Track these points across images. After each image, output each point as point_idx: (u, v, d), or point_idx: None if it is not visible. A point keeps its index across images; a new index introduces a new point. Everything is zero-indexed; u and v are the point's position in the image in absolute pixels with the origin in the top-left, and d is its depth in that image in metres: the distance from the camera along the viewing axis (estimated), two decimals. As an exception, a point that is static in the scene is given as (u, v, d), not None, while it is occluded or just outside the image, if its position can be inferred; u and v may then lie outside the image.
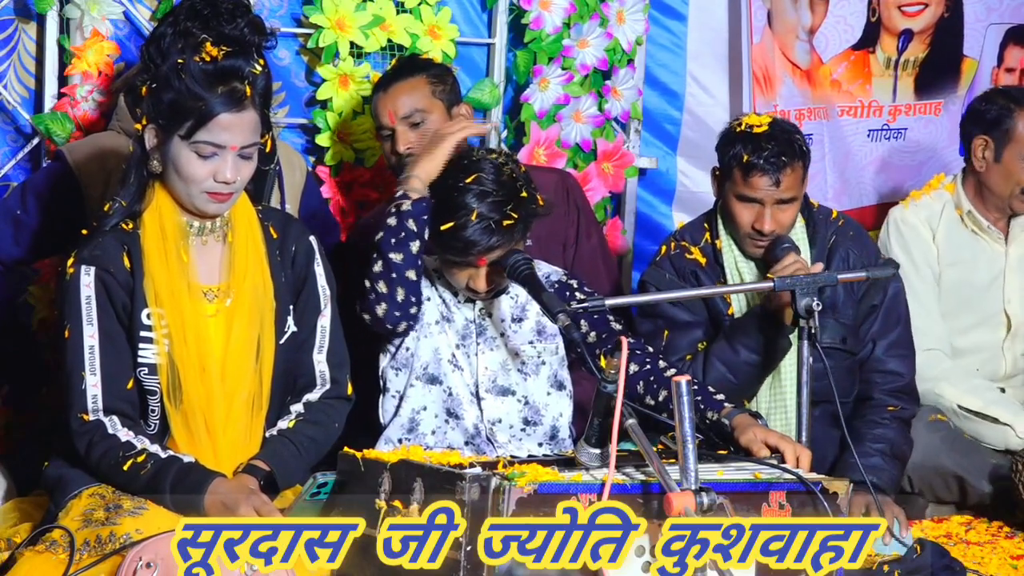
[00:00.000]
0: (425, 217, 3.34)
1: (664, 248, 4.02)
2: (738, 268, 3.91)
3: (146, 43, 3.77)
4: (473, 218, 3.27)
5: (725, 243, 3.92)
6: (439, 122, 3.94)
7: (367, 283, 3.36)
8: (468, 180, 3.32)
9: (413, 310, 3.37)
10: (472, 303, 3.45)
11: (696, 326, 3.86)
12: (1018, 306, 4.45)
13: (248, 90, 3.08)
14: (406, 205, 3.34)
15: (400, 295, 3.34)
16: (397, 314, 3.35)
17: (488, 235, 3.28)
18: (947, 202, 4.48)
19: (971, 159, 4.43)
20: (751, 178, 3.76)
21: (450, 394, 3.41)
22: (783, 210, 3.80)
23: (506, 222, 3.29)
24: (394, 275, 3.33)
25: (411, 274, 3.34)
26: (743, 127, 3.83)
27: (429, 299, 3.43)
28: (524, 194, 3.35)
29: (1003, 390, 4.41)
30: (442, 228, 3.30)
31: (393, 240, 3.33)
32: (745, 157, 3.76)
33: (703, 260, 3.92)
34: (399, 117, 3.96)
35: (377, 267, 3.35)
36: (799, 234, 3.92)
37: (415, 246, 3.33)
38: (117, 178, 3.65)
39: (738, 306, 3.90)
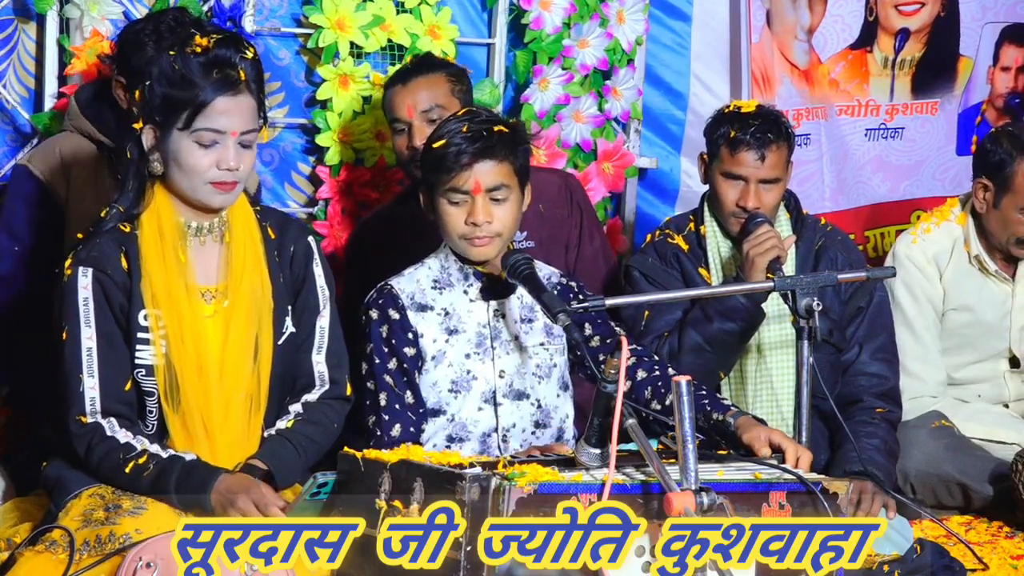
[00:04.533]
0: None
1: (649, 236, 4.12)
2: (719, 251, 3.97)
3: (120, 38, 3.79)
4: (464, 130, 3.27)
5: (709, 228, 3.99)
6: None
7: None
8: (460, 113, 3.37)
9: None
10: (486, 302, 3.40)
11: (676, 306, 3.92)
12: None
13: (242, 74, 3.08)
14: None
15: None
16: None
17: (476, 140, 3.25)
18: (957, 238, 4.34)
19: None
20: (737, 154, 3.85)
21: (452, 419, 3.38)
22: (767, 190, 3.88)
23: (496, 128, 3.28)
24: None
25: None
26: (731, 108, 3.96)
27: (444, 312, 3.38)
28: (513, 120, 3.37)
29: (1007, 405, 4.40)
30: (434, 146, 3.29)
31: None
32: (732, 133, 3.87)
33: (686, 247, 4.00)
34: (418, 111, 3.98)
35: None
36: (785, 232, 3.97)
37: None
38: (80, 177, 3.67)
39: (716, 282, 3.97)
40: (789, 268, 3.86)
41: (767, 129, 3.86)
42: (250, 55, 3.11)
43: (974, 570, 3.52)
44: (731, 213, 3.90)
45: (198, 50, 3.07)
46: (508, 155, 3.29)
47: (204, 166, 3.08)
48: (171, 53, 3.08)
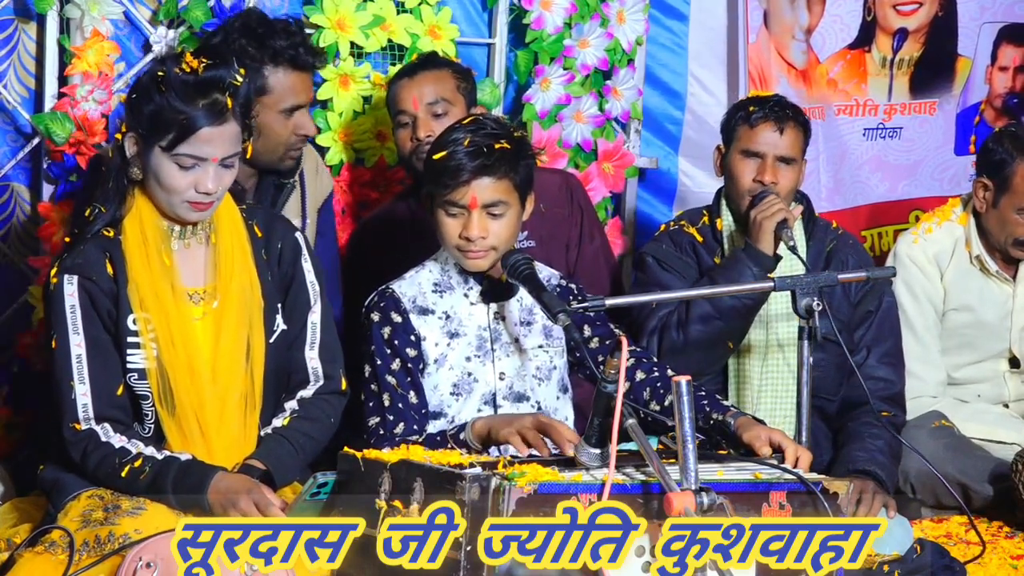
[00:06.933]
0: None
1: (663, 227, 4.14)
2: (735, 244, 3.96)
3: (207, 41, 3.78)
4: (465, 144, 3.26)
5: (725, 221, 4.01)
6: (460, 116, 3.95)
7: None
8: (466, 122, 3.35)
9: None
10: (486, 305, 3.40)
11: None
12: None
13: (229, 101, 3.08)
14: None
15: None
16: None
17: (476, 156, 3.25)
18: (959, 239, 4.33)
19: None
20: (755, 128, 3.91)
21: (452, 421, 3.36)
22: (784, 170, 3.91)
23: (497, 145, 3.26)
24: None
25: None
26: (749, 97, 4.07)
27: (445, 315, 3.38)
28: (518, 134, 3.35)
29: (1006, 405, 4.40)
30: (435, 157, 3.29)
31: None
32: (752, 109, 3.93)
33: (700, 238, 4.02)
34: (423, 104, 3.99)
35: None
36: (798, 234, 3.97)
37: None
38: None
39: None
40: (799, 269, 3.85)
41: (785, 107, 3.93)
42: (239, 80, 3.11)
43: (973, 559, 3.52)
44: (747, 191, 3.91)
45: (187, 70, 3.07)
46: (508, 172, 3.29)
47: (182, 186, 3.09)
48: (160, 74, 3.08)
